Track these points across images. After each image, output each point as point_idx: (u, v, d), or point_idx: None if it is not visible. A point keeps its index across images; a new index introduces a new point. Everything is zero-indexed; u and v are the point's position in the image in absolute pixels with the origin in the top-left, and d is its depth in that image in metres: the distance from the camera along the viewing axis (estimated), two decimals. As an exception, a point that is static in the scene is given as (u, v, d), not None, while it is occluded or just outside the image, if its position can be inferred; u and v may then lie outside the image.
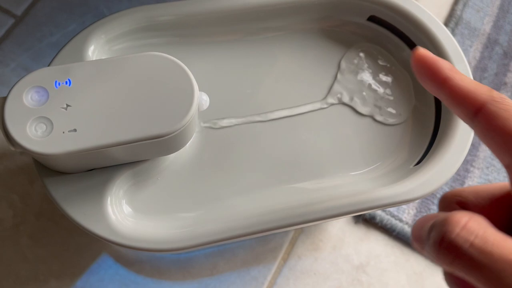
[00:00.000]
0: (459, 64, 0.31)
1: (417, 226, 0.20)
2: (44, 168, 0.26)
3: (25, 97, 0.23)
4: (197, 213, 0.28)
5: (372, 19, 0.33)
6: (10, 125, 0.22)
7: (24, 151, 0.22)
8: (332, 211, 0.28)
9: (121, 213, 0.27)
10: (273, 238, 0.46)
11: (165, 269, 0.43)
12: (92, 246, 0.43)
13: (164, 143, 0.24)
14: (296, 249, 0.46)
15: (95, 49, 0.28)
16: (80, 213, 0.25)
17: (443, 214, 0.18)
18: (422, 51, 0.21)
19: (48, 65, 0.28)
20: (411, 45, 0.33)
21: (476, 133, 0.20)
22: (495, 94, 0.19)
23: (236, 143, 0.31)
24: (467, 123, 0.20)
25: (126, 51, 0.31)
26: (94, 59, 0.29)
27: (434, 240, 0.17)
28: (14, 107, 0.22)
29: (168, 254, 0.43)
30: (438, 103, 0.32)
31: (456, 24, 0.56)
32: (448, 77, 0.20)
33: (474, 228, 0.17)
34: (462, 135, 0.30)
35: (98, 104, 0.23)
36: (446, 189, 0.49)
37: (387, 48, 0.33)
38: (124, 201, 0.28)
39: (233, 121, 0.31)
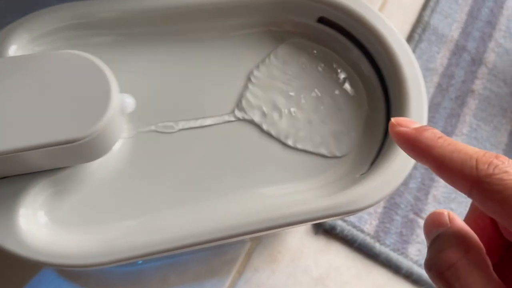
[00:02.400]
0: (409, 67, 0.30)
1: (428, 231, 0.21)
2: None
3: None
4: (124, 225, 0.26)
5: (321, 20, 0.32)
6: None
7: None
8: (268, 222, 0.26)
9: (36, 226, 0.25)
10: (228, 250, 0.44)
11: (112, 284, 0.41)
12: (33, 259, 0.40)
13: (80, 149, 0.22)
14: (252, 261, 0.44)
15: (18, 49, 0.26)
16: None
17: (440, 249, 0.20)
18: (398, 129, 0.21)
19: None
20: (361, 47, 0.31)
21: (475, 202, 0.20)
22: (485, 167, 0.19)
23: (170, 150, 0.29)
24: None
25: (53, 50, 0.29)
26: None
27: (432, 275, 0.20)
28: None
29: (115, 267, 0.41)
30: (388, 110, 0.30)
31: (424, 30, 0.55)
32: (434, 156, 0.20)
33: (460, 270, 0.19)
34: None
35: (6, 104, 0.21)
36: (393, 198, 0.48)
37: (336, 50, 0.32)
38: (42, 212, 0.26)
39: (169, 125, 0.29)
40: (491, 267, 0.20)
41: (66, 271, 0.40)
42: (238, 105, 0.31)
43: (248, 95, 0.31)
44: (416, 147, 0.20)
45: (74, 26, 0.29)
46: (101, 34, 0.30)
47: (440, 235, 0.21)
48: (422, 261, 0.45)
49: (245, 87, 0.31)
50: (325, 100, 0.32)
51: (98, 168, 0.27)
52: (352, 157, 0.30)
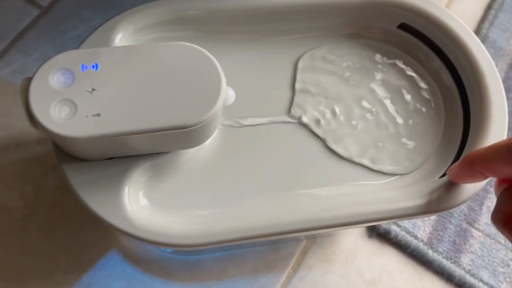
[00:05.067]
0: (491, 78, 0.30)
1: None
2: (63, 154, 0.25)
3: (51, 78, 0.22)
4: (213, 211, 0.28)
5: (402, 26, 0.33)
6: (34, 105, 0.22)
7: (46, 133, 0.22)
8: (352, 218, 0.27)
9: (137, 205, 0.26)
10: (284, 247, 0.45)
11: (173, 270, 0.42)
12: (101, 242, 0.42)
13: (187, 135, 0.24)
14: (307, 260, 0.45)
15: (123, 37, 0.28)
16: (96, 202, 0.25)
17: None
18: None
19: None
20: (442, 55, 0.32)
21: None
22: None
23: (256, 143, 0.30)
24: None
25: (153, 42, 0.30)
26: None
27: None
28: (39, 88, 0.22)
29: (177, 255, 0.42)
30: (466, 115, 0.31)
31: (482, 42, 0.56)
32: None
33: None
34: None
35: (124, 90, 0.22)
36: (467, 206, 0.48)
37: (417, 57, 0.33)
38: (141, 193, 0.27)
39: (256, 120, 0.30)
40: None
41: (131, 256, 0.42)
42: (304, 109, 0.31)
43: (314, 99, 0.32)
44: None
45: (169, 21, 0.30)
46: (190, 29, 0.31)
47: (504, 190, 0.22)
48: (475, 271, 0.45)
49: (311, 90, 0.32)
50: (400, 107, 0.32)
51: (191, 157, 0.28)
52: (433, 160, 0.31)
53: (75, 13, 0.48)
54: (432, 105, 0.32)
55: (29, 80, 0.22)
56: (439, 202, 0.28)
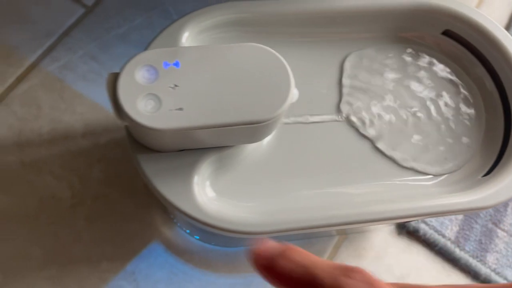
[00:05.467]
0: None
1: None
2: (137, 145, 0.27)
3: (137, 74, 0.24)
4: (274, 202, 0.29)
5: (447, 33, 0.34)
6: (122, 98, 0.23)
7: (132, 124, 0.24)
8: (402, 212, 0.29)
9: (205, 195, 0.28)
10: (318, 242, 0.47)
11: (213, 262, 0.44)
12: (144, 233, 0.44)
13: (256, 130, 0.26)
14: (339, 255, 0.46)
15: (189, 37, 0.30)
16: (169, 190, 0.26)
17: None
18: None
19: (146, 48, 0.29)
20: (485, 62, 0.34)
21: None
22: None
23: (308, 139, 0.32)
24: None
25: (214, 42, 0.32)
26: (187, 45, 0.30)
27: None
28: (126, 83, 0.24)
29: (218, 247, 0.44)
30: (507, 117, 0.33)
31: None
32: None
33: None
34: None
35: (203, 86, 0.24)
36: None
37: (460, 63, 0.35)
38: (207, 183, 0.29)
39: (309, 118, 0.32)
40: None
41: (173, 247, 0.44)
42: (352, 108, 0.33)
43: (362, 99, 0.33)
44: (275, 278, 0.19)
45: (229, 22, 0.32)
46: (251, 31, 0.33)
47: None
48: (500, 270, 0.47)
49: (358, 90, 0.34)
50: (443, 110, 0.34)
51: (251, 151, 0.30)
52: (477, 159, 0.32)
53: (119, 12, 0.50)
54: (474, 108, 0.34)
55: (115, 75, 0.24)
56: (483, 199, 0.29)
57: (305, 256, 0.18)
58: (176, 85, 0.24)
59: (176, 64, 0.24)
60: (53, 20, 0.49)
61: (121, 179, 0.44)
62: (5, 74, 0.46)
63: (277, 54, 0.26)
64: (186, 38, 0.30)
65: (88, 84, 0.47)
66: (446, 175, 0.32)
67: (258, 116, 0.24)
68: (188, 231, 0.42)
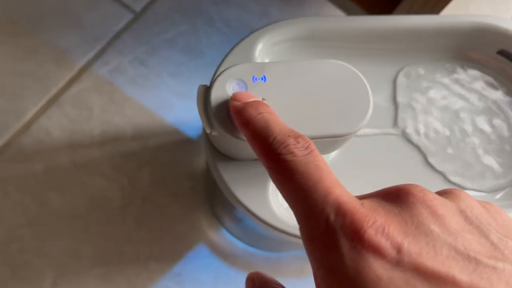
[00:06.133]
0: None
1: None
2: (217, 154, 0.28)
3: (228, 87, 0.25)
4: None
5: (502, 53, 0.36)
6: (214, 110, 0.24)
7: (221, 135, 0.25)
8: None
9: (278, 202, 0.29)
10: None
11: (256, 265, 0.45)
12: (190, 235, 0.45)
13: (334, 143, 0.27)
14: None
15: (262, 49, 0.31)
16: (247, 197, 0.28)
17: None
18: (232, 102, 0.23)
19: (223, 59, 0.30)
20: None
21: None
22: (277, 146, 0.19)
23: (366, 152, 0.33)
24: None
25: (285, 55, 0.33)
26: (259, 59, 0.31)
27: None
28: (218, 95, 0.25)
29: (260, 251, 0.45)
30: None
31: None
32: (249, 130, 0.21)
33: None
34: None
35: (288, 100, 0.25)
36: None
37: (513, 81, 0.36)
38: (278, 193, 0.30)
39: (371, 131, 0.33)
40: None
41: (218, 250, 0.45)
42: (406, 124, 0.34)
43: (419, 115, 0.35)
44: (238, 120, 0.22)
45: (296, 37, 0.33)
46: (316, 46, 0.34)
47: None
48: None
49: (416, 105, 0.35)
50: (494, 128, 0.35)
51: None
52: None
53: (166, 17, 0.51)
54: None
55: (205, 87, 0.25)
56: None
57: (271, 115, 0.21)
58: (263, 99, 0.25)
59: (263, 79, 0.25)
60: (104, 24, 0.50)
61: (169, 182, 0.45)
62: (57, 77, 0.47)
63: (356, 70, 0.27)
64: (259, 50, 0.31)
65: (137, 87, 0.48)
66: (503, 192, 0.33)
67: (340, 130, 0.26)
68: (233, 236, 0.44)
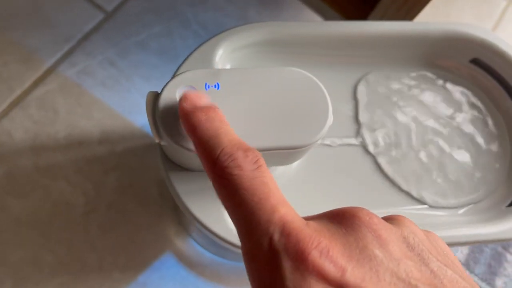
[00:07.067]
0: None
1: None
2: (170, 164, 0.27)
3: (178, 94, 0.24)
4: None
5: (475, 61, 0.35)
6: (162, 118, 0.23)
7: (170, 145, 0.23)
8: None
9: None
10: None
11: (225, 275, 0.44)
12: (157, 243, 0.43)
13: (292, 154, 0.25)
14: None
15: (222, 54, 0.30)
16: (200, 210, 0.26)
17: None
18: (181, 104, 0.21)
19: (179, 66, 0.29)
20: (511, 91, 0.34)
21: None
22: (224, 158, 0.18)
23: (330, 162, 0.32)
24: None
25: (246, 61, 0.32)
26: (219, 65, 0.30)
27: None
28: (167, 103, 0.23)
29: (229, 261, 0.44)
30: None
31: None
32: (195, 137, 0.20)
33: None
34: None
35: (243, 110, 0.24)
36: None
37: (486, 90, 0.35)
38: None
39: (335, 141, 0.32)
40: None
41: (185, 259, 0.43)
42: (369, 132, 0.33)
43: (380, 123, 0.34)
44: (186, 124, 0.20)
45: (258, 42, 0.32)
46: (281, 52, 0.33)
47: None
48: (508, 294, 0.47)
49: (378, 115, 0.34)
50: (466, 139, 0.34)
51: (281, 173, 0.30)
52: (503, 189, 0.33)
53: (139, 18, 0.50)
54: (498, 140, 0.34)
55: (154, 94, 0.24)
56: (509, 230, 0.30)
57: (222, 123, 0.20)
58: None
59: (217, 86, 0.24)
60: (73, 24, 0.48)
61: (136, 188, 0.44)
62: (22, 77, 0.46)
63: (315, 78, 0.25)
64: (220, 56, 0.30)
65: (106, 90, 0.46)
66: (470, 205, 0.32)
67: (297, 141, 0.24)
68: (201, 245, 0.42)
